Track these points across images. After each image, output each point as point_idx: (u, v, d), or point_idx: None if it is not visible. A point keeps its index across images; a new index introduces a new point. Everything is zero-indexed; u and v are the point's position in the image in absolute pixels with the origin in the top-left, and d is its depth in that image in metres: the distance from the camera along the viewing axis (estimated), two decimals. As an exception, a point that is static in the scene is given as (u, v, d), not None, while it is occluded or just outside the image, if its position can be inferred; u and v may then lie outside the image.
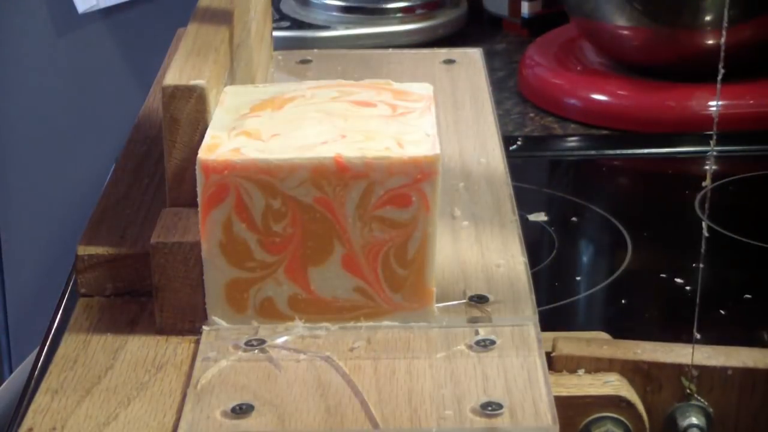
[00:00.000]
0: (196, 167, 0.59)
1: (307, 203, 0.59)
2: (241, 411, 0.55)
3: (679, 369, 0.62)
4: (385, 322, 0.60)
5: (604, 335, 0.67)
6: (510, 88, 1.28)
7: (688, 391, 0.62)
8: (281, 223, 0.59)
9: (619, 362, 0.62)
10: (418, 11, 1.39)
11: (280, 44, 1.07)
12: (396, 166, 0.58)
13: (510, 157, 0.78)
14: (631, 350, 0.63)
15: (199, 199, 0.59)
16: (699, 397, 0.62)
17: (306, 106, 0.64)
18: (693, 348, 0.62)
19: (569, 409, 0.60)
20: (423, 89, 0.66)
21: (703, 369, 0.62)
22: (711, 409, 0.62)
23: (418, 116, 0.63)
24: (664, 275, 0.90)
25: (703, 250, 0.62)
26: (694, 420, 0.62)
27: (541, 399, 0.56)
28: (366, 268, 0.60)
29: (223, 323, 0.60)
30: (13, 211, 1.78)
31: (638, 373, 0.62)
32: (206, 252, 0.60)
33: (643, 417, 0.61)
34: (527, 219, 0.98)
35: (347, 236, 0.59)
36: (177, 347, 0.61)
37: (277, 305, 0.60)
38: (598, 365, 0.62)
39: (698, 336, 0.64)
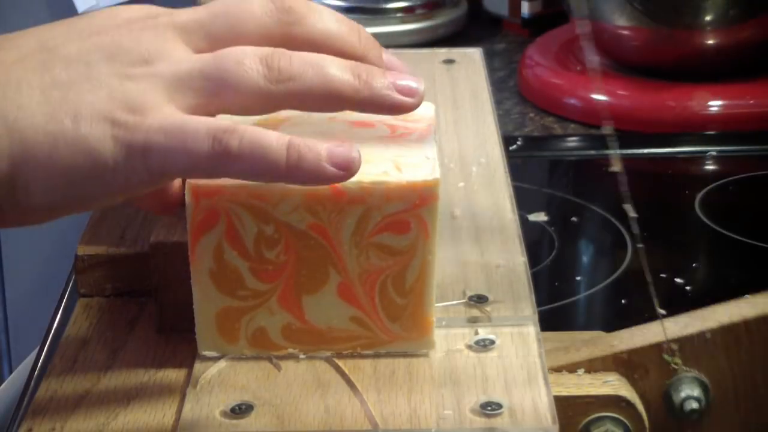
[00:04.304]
0: (185, 192, 0.56)
1: (301, 230, 0.57)
2: (241, 411, 0.55)
3: (658, 348, 0.62)
4: (383, 353, 0.59)
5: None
6: (510, 88, 1.28)
7: (674, 366, 0.62)
8: (274, 250, 0.57)
9: (598, 360, 0.62)
10: (418, 11, 1.39)
11: (280, 44, 1.07)
12: (394, 191, 0.56)
13: (510, 157, 0.78)
14: (608, 344, 0.62)
15: (188, 225, 0.57)
16: (687, 368, 0.62)
17: (302, 126, 0.61)
18: (662, 324, 0.62)
19: (569, 409, 0.60)
20: (424, 109, 0.62)
21: (682, 340, 0.62)
22: (703, 376, 0.62)
23: (418, 138, 0.60)
24: (664, 275, 0.90)
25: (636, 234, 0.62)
26: (688, 392, 0.62)
27: (540, 399, 0.56)
28: (363, 296, 0.58)
29: (215, 354, 0.59)
30: (13, 211, 1.78)
31: (620, 363, 0.62)
32: (196, 280, 0.58)
33: (643, 416, 0.61)
34: (527, 219, 0.98)
35: (343, 264, 0.57)
36: (177, 347, 0.61)
37: (270, 335, 0.58)
38: (577, 368, 0.62)
39: (664, 312, 0.63)
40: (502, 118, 1.19)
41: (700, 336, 0.61)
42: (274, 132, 0.52)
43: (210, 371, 0.58)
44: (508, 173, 0.75)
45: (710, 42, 1.17)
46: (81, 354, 0.61)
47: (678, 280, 0.88)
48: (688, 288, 0.91)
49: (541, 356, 0.59)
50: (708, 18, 1.16)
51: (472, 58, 0.92)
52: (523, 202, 0.88)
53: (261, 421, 0.55)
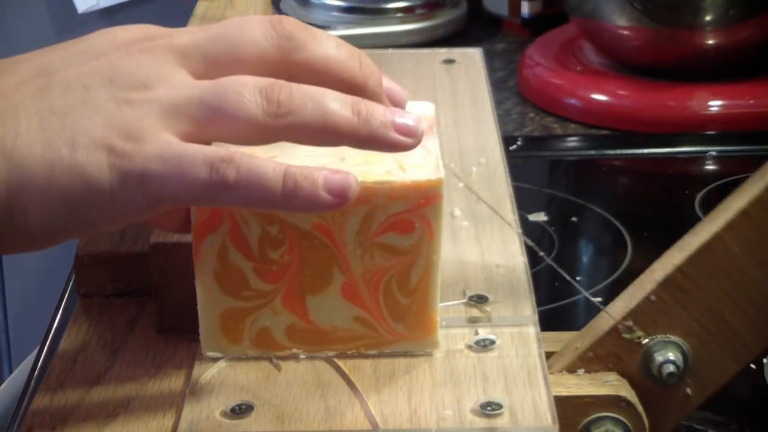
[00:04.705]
0: None
1: (305, 230, 0.57)
2: (241, 411, 0.55)
3: (615, 332, 0.61)
4: (384, 353, 0.59)
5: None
6: (510, 88, 1.28)
7: (636, 341, 0.61)
8: (278, 250, 0.57)
9: (566, 367, 0.62)
10: (418, 11, 1.39)
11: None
12: (397, 190, 0.56)
13: (510, 157, 0.78)
14: (571, 349, 0.62)
15: (192, 226, 0.57)
16: (651, 337, 0.61)
17: None
18: (605, 310, 0.62)
19: (569, 409, 0.60)
20: (425, 109, 0.62)
21: (632, 314, 0.61)
22: (669, 337, 0.61)
23: None
24: (664, 275, 0.90)
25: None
26: (661, 358, 0.61)
27: (540, 399, 0.56)
28: (367, 296, 0.58)
29: (219, 355, 0.59)
30: (13, 211, 1.78)
31: (589, 362, 0.62)
32: (200, 280, 0.58)
33: (643, 417, 0.61)
34: (527, 219, 0.98)
35: (347, 264, 0.57)
36: (177, 347, 0.61)
37: (274, 335, 0.58)
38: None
39: (599, 299, 0.63)
40: (502, 118, 1.19)
41: (645, 302, 0.61)
42: (271, 161, 0.52)
43: (210, 371, 0.58)
44: (508, 173, 0.75)
45: (710, 42, 1.17)
46: (81, 354, 0.61)
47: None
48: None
49: (541, 356, 0.59)
50: (708, 18, 1.16)
51: (472, 58, 0.92)
52: (523, 202, 0.88)
53: (261, 422, 0.55)
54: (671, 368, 0.61)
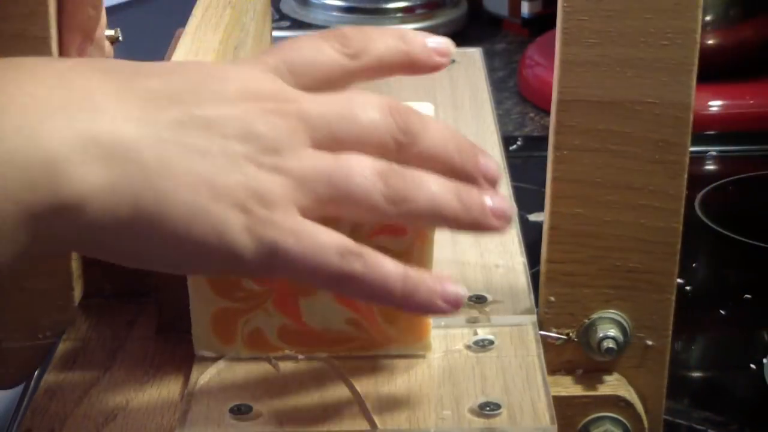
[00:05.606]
0: None
1: None
2: (240, 411, 0.55)
3: (550, 346, 0.61)
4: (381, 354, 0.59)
5: None
6: (510, 88, 1.28)
7: (569, 336, 0.62)
8: None
9: None
10: (418, 11, 1.40)
11: (280, 44, 1.07)
12: None
13: (510, 157, 0.78)
14: None
15: None
16: (578, 327, 0.61)
17: None
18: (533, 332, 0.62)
19: (568, 409, 0.60)
20: (425, 109, 0.61)
21: (548, 322, 0.62)
22: (593, 315, 0.61)
23: None
24: (663, 275, 0.89)
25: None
26: (596, 338, 0.61)
27: (539, 399, 0.56)
28: None
29: (211, 355, 0.59)
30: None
31: (556, 382, 0.62)
32: (192, 281, 0.58)
33: (642, 416, 0.61)
34: (527, 219, 0.98)
35: None
36: (176, 347, 0.61)
37: (267, 336, 0.58)
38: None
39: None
40: (502, 118, 1.19)
41: (548, 305, 0.61)
42: (391, 260, 0.52)
43: (209, 372, 0.58)
44: (508, 173, 0.75)
45: (710, 42, 1.17)
46: (81, 354, 0.61)
47: (678, 280, 0.88)
48: (688, 288, 0.91)
49: (540, 356, 0.59)
50: (708, 18, 1.16)
51: (472, 58, 0.92)
52: (523, 202, 0.88)
53: (259, 422, 0.55)
54: (609, 343, 0.61)
